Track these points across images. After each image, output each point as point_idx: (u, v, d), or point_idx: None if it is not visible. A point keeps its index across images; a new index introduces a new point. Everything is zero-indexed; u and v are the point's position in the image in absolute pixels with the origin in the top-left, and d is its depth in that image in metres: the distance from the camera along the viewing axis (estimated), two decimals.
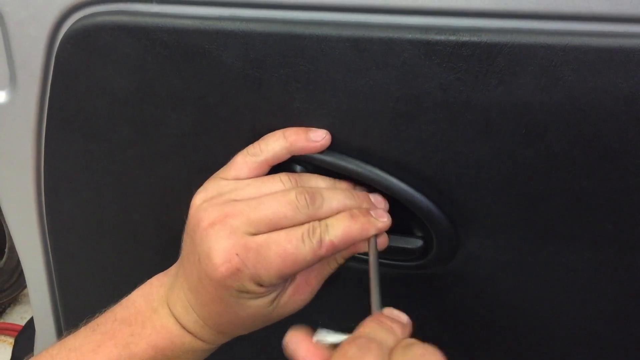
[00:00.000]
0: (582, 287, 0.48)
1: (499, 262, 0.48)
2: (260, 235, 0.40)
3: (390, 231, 0.44)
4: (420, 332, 0.54)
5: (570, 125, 0.40)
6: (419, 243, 0.48)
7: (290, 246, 0.40)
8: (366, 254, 0.44)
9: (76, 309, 0.64)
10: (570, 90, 0.39)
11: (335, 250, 0.41)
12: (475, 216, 0.46)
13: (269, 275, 0.40)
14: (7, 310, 1.49)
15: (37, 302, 0.66)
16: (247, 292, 0.41)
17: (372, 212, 0.44)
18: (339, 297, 0.52)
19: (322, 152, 0.45)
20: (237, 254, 0.40)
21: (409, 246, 0.48)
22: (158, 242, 0.57)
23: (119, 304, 0.46)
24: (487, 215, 0.46)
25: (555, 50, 0.38)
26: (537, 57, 0.38)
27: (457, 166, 0.44)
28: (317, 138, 0.44)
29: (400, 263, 0.50)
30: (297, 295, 0.45)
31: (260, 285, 0.41)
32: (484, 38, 0.39)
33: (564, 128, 0.40)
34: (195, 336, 0.44)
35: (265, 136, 0.45)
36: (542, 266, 0.48)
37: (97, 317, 0.46)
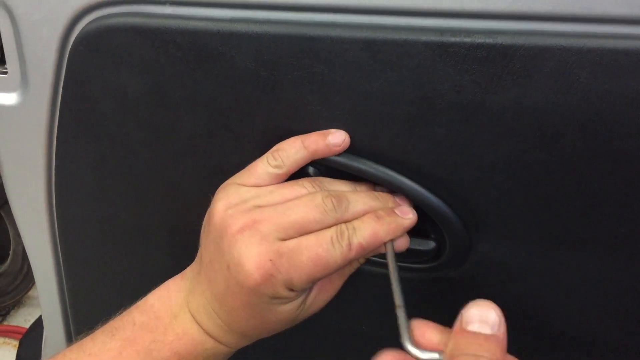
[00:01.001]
0: (594, 291, 0.48)
1: (511, 265, 0.48)
2: (291, 240, 0.40)
3: None
4: None
5: (586, 129, 0.40)
6: (432, 245, 0.48)
7: (321, 250, 0.40)
8: (381, 256, 0.44)
9: (86, 310, 0.64)
10: (586, 93, 0.39)
11: (364, 252, 0.42)
12: (488, 219, 0.46)
13: (301, 280, 0.40)
14: (11, 313, 1.50)
15: (47, 304, 0.66)
16: (279, 297, 0.41)
17: (397, 211, 0.44)
18: (354, 296, 0.52)
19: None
20: (270, 260, 0.39)
21: (422, 248, 0.48)
22: (169, 244, 0.57)
23: (135, 307, 0.45)
24: (500, 218, 0.45)
25: (570, 53, 0.38)
26: (553, 59, 0.38)
27: (470, 169, 0.44)
28: (337, 142, 0.44)
29: (413, 265, 0.50)
30: (321, 296, 0.45)
31: (292, 290, 0.41)
32: (499, 40, 0.39)
33: (579, 131, 0.40)
34: (218, 341, 0.44)
35: (284, 145, 0.45)
36: (555, 271, 0.47)
37: (113, 320, 0.45)
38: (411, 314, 0.54)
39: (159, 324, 0.43)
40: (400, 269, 0.50)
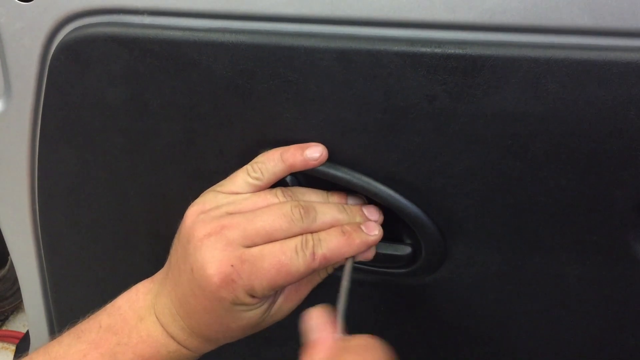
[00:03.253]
0: (569, 297, 0.49)
1: (486, 271, 0.48)
2: (255, 248, 0.41)
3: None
4: (408, 341, 0.54)
5: (554, 136, 0.41)
6: (407, 250, 0.49)
7: (284, 257, 0.40)
8: (358, 262, 0.44)
9: (70, 315, 0.64)
10: (554, 102, 0.39)
11: (327, 263, 0.42)
12: (462, 225, 0.47)
13: (262, 287, 0.41)
14: (9, 318, 1.49)
15: (31, 308, 0.67)
16: (240, 303, 0.41)
17: (363, 227, 0.44)
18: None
19: None
20: (232, 265, 0.40)
21: (398, 253, 0.49)
22: (151, 250, 0.58)
23: (103, 309, 0.46)
24: (474, 224, 0.46)
25: (538, 63, 0.39)
26: (521, 69, 0.39)
27: (443, 176, 0.44)
28: (314, 156, 0.45)
29: (389, 270, 0.51)
30: (286, 303, 0.45)
31: (253, 296, 0.41)
32: (469, 50, 0.39)
33: (548, 139, 0.41)
34: (181, 344, 0.44)
35: (264, 157, 0.46)
36: (530, 276, 0.48)
37: (81, 322, 0.46)
38: (388, 319, 0.55)
39: (125, 326, 0.44)
40: (376, 274, 0.51)
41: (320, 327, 0.38)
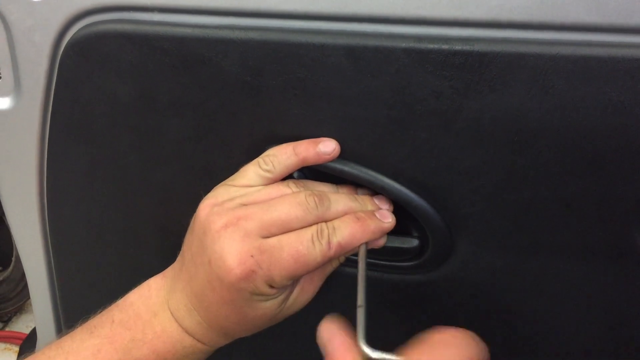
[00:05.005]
0: (573, 294, 0.49)
1: (492, 268, 0.49)
2: (272, 238, 0.41)
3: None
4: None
5: (560, 133, 0.41)
6: (415, 243, 0.49)
7: (302, 247, 0.41)
8: (367, 256, 0.45)
9: (77, 312, 0.65)
10: (560, 99, 0.40)
11: (342, 251, 0.43)
12: (468, 222, 0.47)
13: (282, 277, 0.41)
14: (12, 319, 1.50)
15: (39, 305, 0.67)
16: (260, 294, 0.41)
17: (376, 214, 0.45)
18: (335, 297, 0.53)
19: None
20: (252, 256, 0.40)
21: (406, 246, 0.49)
22: (159, 246, 0.58)
23: (115, 305, 0.46)
24: (480, 221, 0.46)
25: (545, 60, 0.39)
26: (528, 66, 0.39)
27: (450, 172, 0.45)
28: (327, 150, 0.45)
29: (397, 264, 0.51)
30: (302, 295, 0.46)
31: (272, 287, 0.42)
32: (476, 47, 0.40)
33: (554, 136, 0.41)
34: (196, 339, 0.44)
35: (276, 150, 0.46)
36: (534, 273, 0.48)
37: (93, 318, 0.46)
38: (395, 316, 0.55)
39: (138, 321, 0.44)
40: (383, 268, 0.51)
41: (339, 338, 0.37)
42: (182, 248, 0.46)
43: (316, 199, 0.43)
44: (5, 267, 1.45)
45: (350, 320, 0.39)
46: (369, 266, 0.51)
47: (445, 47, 0.40)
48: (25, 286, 1.46)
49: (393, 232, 0.46)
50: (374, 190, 0.48)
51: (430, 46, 0.40)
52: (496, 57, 0.40)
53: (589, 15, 0.38)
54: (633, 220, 0.44)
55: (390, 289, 0.53)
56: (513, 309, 0.51)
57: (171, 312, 0.44)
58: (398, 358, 0.35)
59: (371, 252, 0.46)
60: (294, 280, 0.43)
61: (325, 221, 0.43)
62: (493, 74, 0.40)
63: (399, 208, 0.47)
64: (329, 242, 0.42)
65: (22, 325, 1.50)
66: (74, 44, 0.47)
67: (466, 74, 0.40)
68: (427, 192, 0.46)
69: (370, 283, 0.53)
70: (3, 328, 1.46)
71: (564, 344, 0.52)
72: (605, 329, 0.50)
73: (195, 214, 0.44)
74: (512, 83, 0.40)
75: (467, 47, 0.40)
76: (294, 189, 0.44)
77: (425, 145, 0.44)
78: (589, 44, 0.39)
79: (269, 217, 0.41)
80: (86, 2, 0.46)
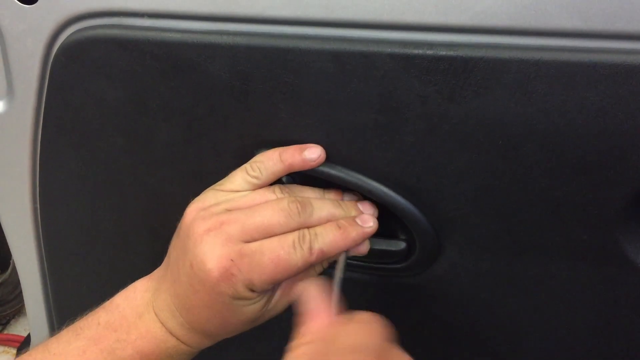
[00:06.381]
0: (559, 297, 0.49)
1: (478, 270, 0.49)
2: (254, 243, 0.42)
3: (374, 234, 0.46)
4: (402, 341, 0.55)
5: (544, 137, 0.41)
6: (402, 245, 0.50)
7: (283, 252, 0.41)
8: (354, 258, 0.45)
9: (70, 314, 0.65)
10: (543, 103, 0.40)
11: (324, 257, 0.43)
12: (454, 225, 0.47)
13: (262, 281, 0.41)
14: (11, 322, 1.50)
15: (32, 308, 0.68)
16: (240, 297, 0.42)
17: (357, 220, 0.45)
18: None
19: None
20: (231, 260, 0.41)
21: (393, 248, 0.50)
22: (150, 248, 0.58)
23: (101, 307, 0.46)
24: (466, 224, 0.47)
25: (528, 65, 0.39)
26: (511, 71, 0.40)
27: (436, 176, 0.45)
28: (313, 157, 0.46)
29: (385, 266, 0.51)
30: (283, 299, 0.46)
31: (252, 290, 0.42)
32: (460, 52, 0.40)
33: (539, 140, 0.42)
34: (179, 340, 0.45)
35: (263, 157, 0.46)
36: (521, 275, 0.49)
37: (79, 320, 0.46)
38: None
39: (124, 323, 0.44)
40: (371, 271, 0.51)
41: (317, 298, 0.39)
42: (168, 250, 0.46)
43: (299, 205, 0.43)
44: (4, 270, 1.45)
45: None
46: (356, 269, 0.52)
47: (430, 52, 0.40)
48: None
49: (380, 235, 0.47)
50: (362, 194, 0.48)
51: (415, 51, 0.41)
52: (480, 62, 0.40)
53: (571, 21, 0.39)
54: (617, 222, 0.44)
55: (377, 292, 0.53)
56: (499, 311, 0.52)
57: (155, 313, 0.45)
58: None
59: (359, 255, 0.47)
60: (275, 284, 0.43)
61: (308, 227, 0.43)
62: (477, 79, 0.41)
63: (386, 211, 0.48)
64: (310, 248, 0.42)
65: (20, 328, 1.49)
66: (65, 49, 0.48)
67: (451, 79, 0.41)
68: (414, 195, 0.47)
69: (357, 285, 0.53)
70: (1, 331, 1.46)
71: (550, 345, 0.52)
72: (590, 330, 0.51)
73: (182, 218, 0.45)
74: (496, 88, 0.40)
75: (451, 53, 0.40)
76: (279, 194, 0.45)
77: (412, 149, 0.44)
78: (571, 49, 0.39)
79: (251, 222, 0.42)
80: (77, 7, 0.47)
